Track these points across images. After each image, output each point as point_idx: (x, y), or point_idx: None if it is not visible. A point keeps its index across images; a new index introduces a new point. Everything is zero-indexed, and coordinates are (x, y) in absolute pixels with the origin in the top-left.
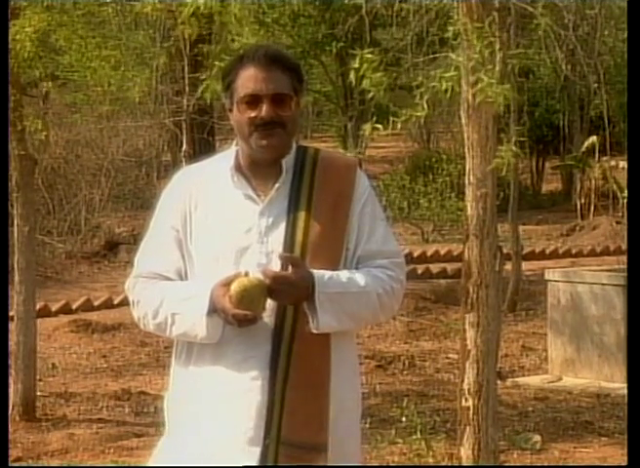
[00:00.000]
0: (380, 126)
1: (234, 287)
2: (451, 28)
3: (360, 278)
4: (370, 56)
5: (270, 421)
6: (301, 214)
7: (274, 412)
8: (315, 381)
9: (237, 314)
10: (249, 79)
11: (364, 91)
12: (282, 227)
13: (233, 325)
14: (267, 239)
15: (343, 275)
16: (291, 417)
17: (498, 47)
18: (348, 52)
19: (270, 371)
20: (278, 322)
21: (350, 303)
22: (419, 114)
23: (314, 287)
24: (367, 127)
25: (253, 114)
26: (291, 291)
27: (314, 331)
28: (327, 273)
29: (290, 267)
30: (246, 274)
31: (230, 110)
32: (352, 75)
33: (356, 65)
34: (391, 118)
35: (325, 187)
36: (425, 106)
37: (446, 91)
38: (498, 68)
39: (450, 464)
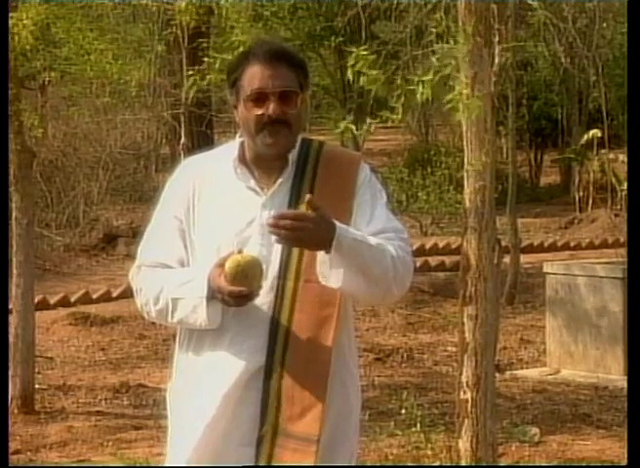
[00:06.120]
0: (372, 124)
1: (228, 264)
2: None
3: (373, 239)
4: (365, 52)
5: (266, 411)
6: (302, 207)
7: (270, 402)
8: (312, 371)
9: (232, 291)
10: (255, 76)
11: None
12: None
13: (230, 304)
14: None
15: (358, 231)
16: (288, 407)
17: (496, 39)
18: (347, 45)
19: (267, 361)
20: (276, 311)
21: (366, 255)
22: (394, 117)
23: (335, 231)
24: (366, 124)
25: (260, 112)
26: (313, 229)
27: (322, 281)
28: (344, 225)
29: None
30: (239, 251)
31: (236, 107)
32: (349, 73)
33: (352, 62)
34: (387, 112)
35: (326, 181)
36: (400, 111)
37: (423, 94)
38: (496, 61)
39: (442, 464)
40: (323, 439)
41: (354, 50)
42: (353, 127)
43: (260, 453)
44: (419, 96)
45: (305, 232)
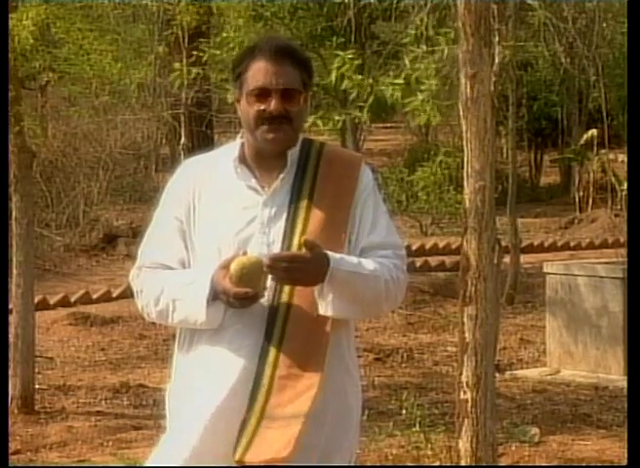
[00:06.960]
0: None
1: (233, 266)
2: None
3: (368, 263)
4: (351, 56)
5: (255, 399)
6: (303, 206)
7: (259, 391)
8: (306, 371)
9: (238, 292)
10: (259, 72)
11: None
12: (284, 218)
13: (235, 306)
14: (270, 229)
15: (354, 258)
16: (278, 395)
17: (496, 39)
18: (347, 45)
19: (259, 361)
20: (274, 303)
21: (359, 285)
22: (358, 115)
23: (329, 266)
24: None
25: (261, 107)
26: (307, 269)
27: (322, 314)
28: (339, 254)
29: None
30: (244, 253)
31: (238, 101)
32: (333, 75)
33: (337, 65)
34: (356, 111)
35: (328, 180)
36: (366, 112)
37: (393, 96)
38: (496, 61)
39: (441, 464)
40: (322, 440)
41: (340, 53)
42: (320, 122)
43: (242, 436)
44: (388, 97)
45: (301, 273)
